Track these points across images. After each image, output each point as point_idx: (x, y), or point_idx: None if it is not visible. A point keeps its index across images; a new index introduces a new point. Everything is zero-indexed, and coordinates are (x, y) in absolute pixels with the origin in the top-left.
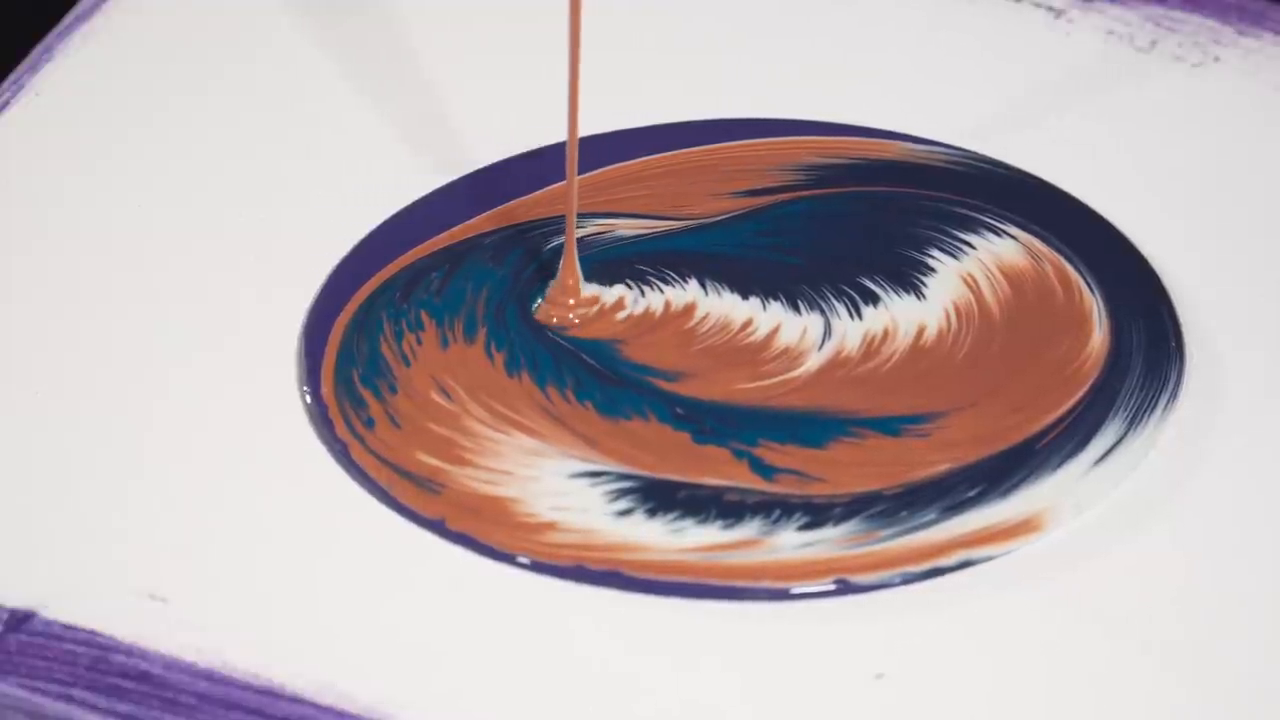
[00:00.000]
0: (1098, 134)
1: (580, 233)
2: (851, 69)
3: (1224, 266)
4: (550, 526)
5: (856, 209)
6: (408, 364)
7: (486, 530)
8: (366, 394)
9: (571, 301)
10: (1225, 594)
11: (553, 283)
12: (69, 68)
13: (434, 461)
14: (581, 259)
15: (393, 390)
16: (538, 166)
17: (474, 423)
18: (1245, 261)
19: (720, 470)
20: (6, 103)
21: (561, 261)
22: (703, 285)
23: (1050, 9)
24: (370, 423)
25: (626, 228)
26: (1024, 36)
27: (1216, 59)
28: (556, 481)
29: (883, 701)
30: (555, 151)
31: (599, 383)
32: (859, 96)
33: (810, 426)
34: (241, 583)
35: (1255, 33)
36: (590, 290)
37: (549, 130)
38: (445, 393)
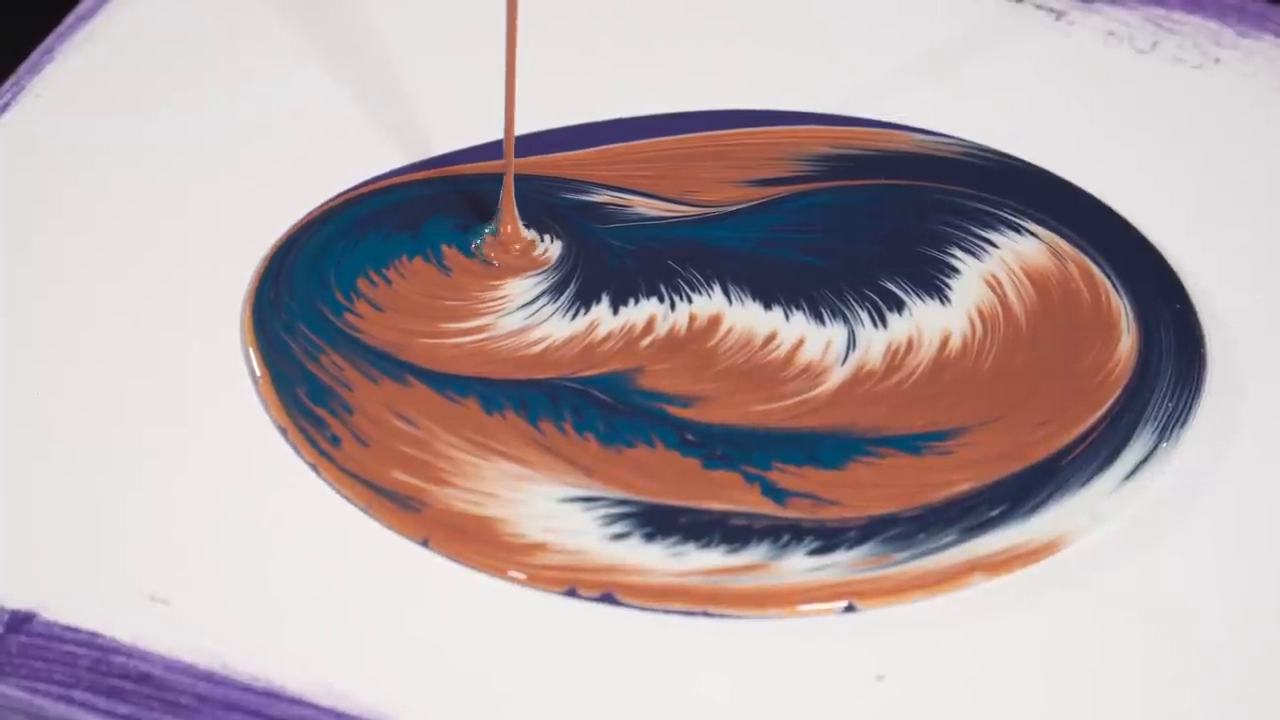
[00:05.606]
0: (1098, 136)
1: (595, 199)
2: (849, 68)
3: (1225, 268)
4: (541, 548)
5: (874, 202)
6: (349, 388)
7: (472, 552)
8: (322, 412)
9: (517, 247)
10: (1236, 604)
11: (493, 230)
12: (70, 69)
13: (412, 480)
14: (601, 230)
15: (348, 410)
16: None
17: (448, 448)
18: (1247, 262)
19: (730, 496)
20: (7, 104)
21: (501, 207)
22: (726, 292)
23: (1051, 10)
24: (336, 440)
25: (641, 205)
26: (1024, 37)
27: (1217, 61)
28: (546, 505)
29: (883, 713)
30: (536, 138)
31: (603, 414)
32: (857, 95)
33: (827, 447)
34: (242, 584)
35: (1255, 35)
36: (529, 234)
37: (547, 120)
38: (408, 420)
